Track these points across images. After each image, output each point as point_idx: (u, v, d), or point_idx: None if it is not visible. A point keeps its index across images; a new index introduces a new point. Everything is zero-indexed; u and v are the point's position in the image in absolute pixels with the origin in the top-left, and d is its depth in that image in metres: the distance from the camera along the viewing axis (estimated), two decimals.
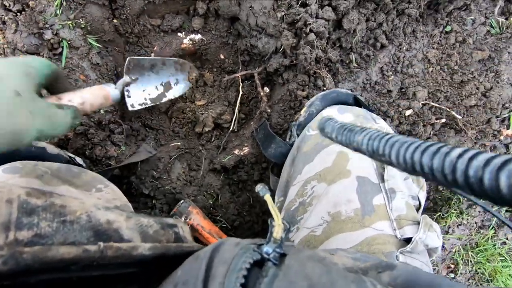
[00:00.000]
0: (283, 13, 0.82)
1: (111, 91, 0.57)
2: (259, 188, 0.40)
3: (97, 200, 0.50)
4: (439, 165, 0.18)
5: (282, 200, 0.66)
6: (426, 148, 0.20)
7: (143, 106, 0.78)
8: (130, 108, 0.75)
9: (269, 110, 0.91)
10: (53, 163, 0.53)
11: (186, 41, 0.93)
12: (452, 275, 0.98)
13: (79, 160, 0.64)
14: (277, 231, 0.29)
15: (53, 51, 0.69)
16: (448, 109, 0.90)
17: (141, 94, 0.78)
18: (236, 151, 0.91)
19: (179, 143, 0.91)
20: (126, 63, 0.72)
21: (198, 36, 0.94)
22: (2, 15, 0.63)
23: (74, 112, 0.45)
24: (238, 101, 0.94)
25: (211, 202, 0.83)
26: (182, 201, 0.76)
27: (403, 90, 0.93)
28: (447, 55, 0.95)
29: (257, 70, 0.93)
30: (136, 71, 0.76)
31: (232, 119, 0.96)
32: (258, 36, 0.89)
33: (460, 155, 0.17)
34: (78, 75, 0.72)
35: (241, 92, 0.94)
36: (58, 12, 0.67)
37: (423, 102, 0.92)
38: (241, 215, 0.87)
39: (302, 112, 0.74)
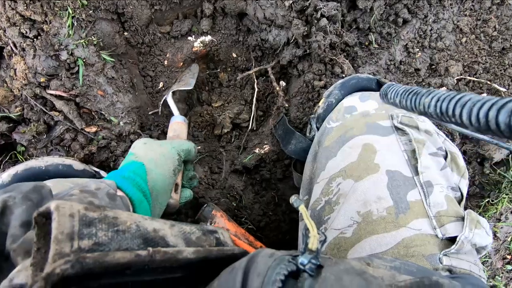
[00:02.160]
0: (291, 1, 0.78)
1: (178, 118, 0.76)
2: (293, 199, 0.40)
3: None
4: None
5: (307, 199, 0.62)
6: (503, 104, 0.19)
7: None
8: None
9: (286, 105, 0.87)
10: (79, 179, 0.55)
11: (196, 44, 0.93)
12: (509, 266, 0.87)
13: (103, 173, 0.66)
14: (313, 242, 0.28)
15: (70, 71, 0.72)
16: (488, 82, 0.80)
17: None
18: (256, 150, 0.89)
19: (199, 147, 0.91)
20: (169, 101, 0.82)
21: (208, 38, 0.93)
22: (21, 42, 0.67)
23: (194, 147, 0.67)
24: (254, 99, 0.92)
25: (235, 204, 0.81)
26: (205, 205, 0.75)
27: (433, 66, 0.84)
28: (482, 21, 0.84)
29: (271, 65, 0.89)
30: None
31: (250, 117, 0.94)
32: (268, 29, 0.86)
33: None
34: (96, 91, 0.74)
35: (256, 89, 0.92)
36: (70, 32, 0.70)
37: (458, 77, 0.82)
38: (266, 215, 0.85)
39: (320, 103, 0.70)
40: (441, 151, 0.54)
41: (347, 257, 0.49)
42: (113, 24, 0.78)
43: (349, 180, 0.53)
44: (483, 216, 0.84)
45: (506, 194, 0.81)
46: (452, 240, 0.43)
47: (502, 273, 0.87)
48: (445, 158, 0.54)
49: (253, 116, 0.92)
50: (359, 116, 0.60)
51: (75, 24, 0.71)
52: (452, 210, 0.46)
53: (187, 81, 0.84)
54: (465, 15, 0.85)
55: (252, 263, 0.28)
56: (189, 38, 0.93)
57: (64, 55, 0.70)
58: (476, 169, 0.84)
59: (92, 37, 0.73)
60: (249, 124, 0.94)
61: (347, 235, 0.50)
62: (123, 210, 0.40)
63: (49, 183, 0.50)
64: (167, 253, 0.26)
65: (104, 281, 0.24)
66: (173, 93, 0.83)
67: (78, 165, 0.62)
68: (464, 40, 0.84)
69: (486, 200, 0.82)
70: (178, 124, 0.75)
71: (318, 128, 0.69)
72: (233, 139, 0.97)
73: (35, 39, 0.68)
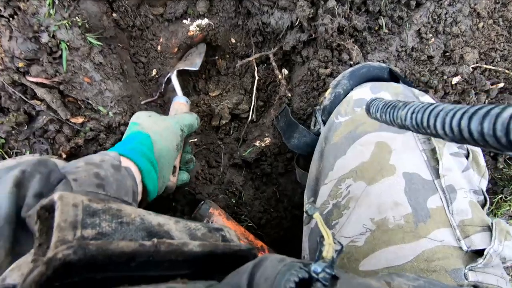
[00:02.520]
0: None
1: (180, 98, 0.74)
2: (307, 207, 0.38)
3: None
4: (489, 129, 0.17)
5: (312, 200, 0.57)
6: (474, 112, 0.18)
7: (199, 63, 0.83)
8: (196, 68, 0.81)
9: (289, 94, 0.81)
10: None
11: (192, 28, 0.86)
12: None
13: None
14: (328, 250, 0.26)
15: (52, 55, 0.65)
16: (507, 71, 0.74)
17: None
18: (257, 143, 0.83)
19: (195, 139, 0.85)
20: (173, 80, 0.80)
21: (205, 21, 0.86)
22: None
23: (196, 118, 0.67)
24: (254, 88, 0.86)
25: (234, 201, 0.76)
26: (202, 202, 0.70)
27: (447, 54, 0.78)
28: (501, 4, 0.78)
29: (272, 51, 0.83)
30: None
31: (250, 108, 0.88)
32: (270, 12, 0.79)
33: None
34: (82, 78, 0.68)
35: (257, 77, 0.86)
36: (51, 12, 0.63)
37: (473, 65, 0.77)
38: (267, 212, 0.80)
39: (326, 94, 0.64)
40: (462, 150, 0.49)
41: (358, 268, 0.44)
42: (99, 4, 0.71)
43: (361, 182, 0.48)
44: (495, 214, 0.80)
45: None
46: (477, 252, 0.39)
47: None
48: (467, 157, 0.49)
49: (253, 106, 0.86)
50: None
51: (56, 2, 0.63)
52: (477, 219, 0.41)
53: (193, 61, 0.81)
54: None
55: (260, 267, 0.26)
56: (184, 21, 0.86)
57: (45, 38, 0.63)
58: (490, 163, 0.80)
59: (76, 17, 0.66)
60: (249, 115, 0.88)
61: (359, 243, 0.45)
62: (128, 181, 0.41)
63: None
64: (172, 245, 0.25)
65: (109, 273, 0.23)
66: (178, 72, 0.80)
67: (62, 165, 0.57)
68: (481, 25, 0.78)
69: (499, 196, 0.78)
70: (180, 105, 0.73)
71: (323, 122, 0.63)
72: (231, 131, 0.91)
73: (10, 19, 0.61)
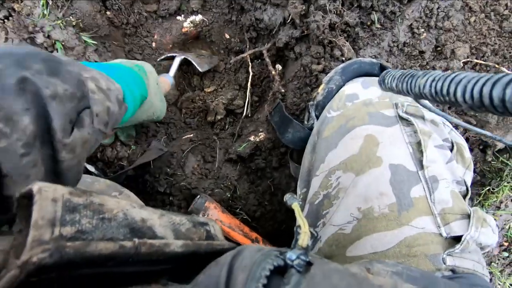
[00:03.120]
0: None
1: (168, 77, 0.75)
2: (287, 197, 0.40)
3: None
4: (511, 96, 0.18)
5: (305, 191, 0.60)
6: (497, 80, 0.19)
7: (208, 68, 0.88)
8: (201, 70, 0.85)
9: (283, 90, 0.83)
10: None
11: (186, 24, 0.86)
12: (505, 253, 0.87)
13: (90, 167, 0.62)
14: (303, 238, 0.27)
15: None
16: (496, 66, 0.75)
17: (198, 62, 0.86)
18: (251, 138, 0.85)
19: (191, 135, 0.87)
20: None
21: (198, 17, 0.87)
22: None
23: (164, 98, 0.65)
24: (249, 83, 0.87)
25: (229, 195, 0.79)
26: (198, 196, 0.73)
27: (438, 48, 0.79)
28: None
29: (266, 47, 0.84)
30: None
31: (244, 103, 0.90)
32: (262, 8, 0.80)
33: None
34: None
35: (251, 73, 0.87)
36: (45, 12, 0.64)
37: (464, 60, 0.77)
38: (262, 205, 0.83)
39: (319, 89, 0.65)
40: (447, 142, 0.51)
41: (345, 254, 0.47)
42: (93, 3, 0.72)
43: (350, 173, 0.50)
44: (483, 205, 0.82)
45: (508, 182, 0.79)
46: (456, 238, 0.41)
47: (498, 259, 0.87)
48: (451, 150, 0.50)
49: (248, 102, 0.87)
50: (361, 104, 0.57)
51: (50, 3, 0.64)
52: (457, 207, 0.43)
53: (202, 63, 0.85)
54: None
55: (238, 257, 0.27)
56: (178, 17, 0.86)
57: (40, 38, 0.64)
58: (478, 156, 0.82)
59: (70, 17, 0.67)
60: (243, 110, 0.90)
61: (346, 231, 0.48)
62: (121, 118, 0.43)
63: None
64: (153, 246, 0.25)
65: (85, 271, 0.23)
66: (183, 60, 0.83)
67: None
68: (472, 19, 0.79)
69: (487, 188, 0.81)
70: (163, 80, 0.73)
71: (317, 117, 0.65)
72: (227, 126, 0.93)
73: (5, 20, 0.61)
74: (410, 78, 0.27)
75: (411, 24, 0.79)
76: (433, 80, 0.24)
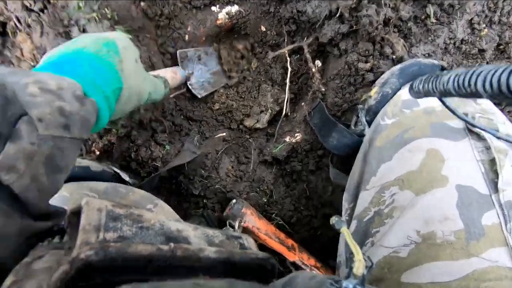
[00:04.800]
0: None
1: (178, 69, 0.74)
2: (334, 220, 0.37)
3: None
4: None
5: (352, 206, 0.55)
6: None
7: (208, 92, 0.85)
8: (199, 96, 0.83)
9: (323, 89, 0.77)
10: (99, 184, 0.50)
11: (221, 15, 0.81)
12: None
13: (123, 175, 0.60)
14: (358, 266, 0.26)
15: None
16: None
17: (201, 84, 0.84)
18: (287, 139, 0.81)
19: (224, 134, 0.83)
20: (178, 58, 0.78)
21: (234, 8, 0.81)
22: (25, 17, 0.57)
23: (166, 82, 0.55)
24: (287, 80, 0.82)
25: (265, 200, 0.76)
26: (234, 201, 0.70)
27: (501, 47, 0.71)
28: None
29: (307, 42, 0.78)
30: (188, 65, 0.81)
31: (283, 101, 0.84)
32: None
33: None
34: None
35: (289, 69, 0.81)
36: (81, 4, 0.60)
37: None
38: (297, 210, 0.79)
39: (372, 93, 0.60)
40: None
41: (400, 280, 0.43)
42: None
43: (408, 191, 0.46)
44: None
45: None
46: None
47: None
48: None
49: (287, 101, 0.82)
50: (421, 112, 0.51)
51: None
52: None
53: (208, 87, 0.85)
54: None
55: (291, 283, 0.26)
56: (213, 8, 0.81)
57: (75, 32, 0.61)
58: None
59: (106, 9, 0.63)
60: (282, 108, 0.85)
61: (402, 254, 0.44)
62: (92, 117, 0.36)
63: (65, 193, 0.46)
64: (188, 250, 0.26)
65: (126, 278, 0.24)
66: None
67: (96, 166, 0.56)
68: None
69: None
70: (173, 72, 0.72)
71: (368, 123, 0.60)
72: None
73: (41, 13, 0.58)
74: (434, 78, 0.30)
75: (472, 19, 0.71)
76: (456, 75, 0.26)
